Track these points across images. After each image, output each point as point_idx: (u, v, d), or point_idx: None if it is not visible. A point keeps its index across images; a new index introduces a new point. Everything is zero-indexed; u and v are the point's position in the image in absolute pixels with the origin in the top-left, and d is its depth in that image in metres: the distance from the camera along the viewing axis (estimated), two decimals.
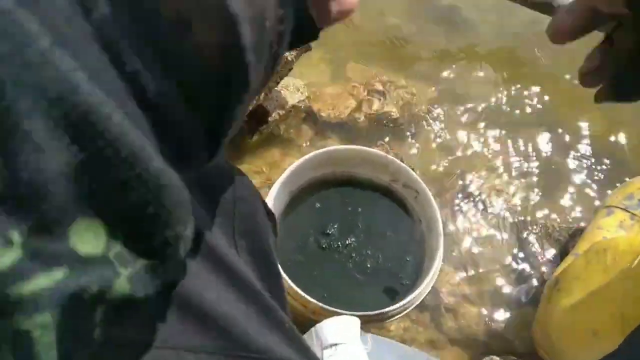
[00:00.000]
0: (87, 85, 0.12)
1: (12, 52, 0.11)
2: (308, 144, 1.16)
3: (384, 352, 0.50)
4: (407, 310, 0.63)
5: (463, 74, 1.30)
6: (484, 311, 0.98)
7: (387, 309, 0.61)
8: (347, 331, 0.44)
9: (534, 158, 1.19)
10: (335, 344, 0.43)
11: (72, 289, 0.13)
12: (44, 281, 0.13)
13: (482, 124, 1.23)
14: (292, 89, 1.18)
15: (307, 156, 0.71)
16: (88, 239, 0.14)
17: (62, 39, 0.12)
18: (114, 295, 0.15)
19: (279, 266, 0.42)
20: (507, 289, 1.01)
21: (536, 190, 1.14)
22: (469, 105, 1.26)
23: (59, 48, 0.12)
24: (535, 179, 1.16)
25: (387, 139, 1.15)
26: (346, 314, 0.56)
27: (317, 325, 0.47)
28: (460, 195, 1.09)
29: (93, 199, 0.13)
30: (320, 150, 0.72)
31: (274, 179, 1.12)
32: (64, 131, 0.12)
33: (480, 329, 0.95)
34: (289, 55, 1.03)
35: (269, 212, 0.43)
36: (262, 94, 1.02)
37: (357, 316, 0.58)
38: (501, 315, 0.98)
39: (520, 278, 1.02)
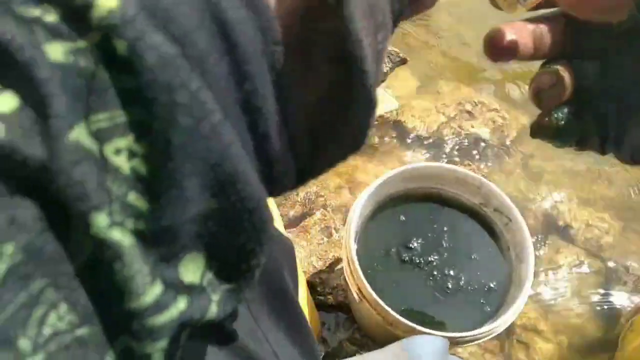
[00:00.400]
0: (240, 152, 0.14)
1: (190, 126, 0.13)
2: (390, 154, 1.16)
3: None
4: (486, 338, 0.62)
5: None
6: (559, 350, 0.94)
7: (466, 334, 0.61)
8: (435, 351, 0.45)
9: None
10: None
11: (187, 318, 0.15)
12: (174, 312, 0.14)
13: (571, 155, 1.18)
14: (381, 99, 1.19)
15: (399, 169, 0.72)
16: (192, 268, 0.15)
17: (225, 111, 0.14)
18: (204, 322, 0.16)
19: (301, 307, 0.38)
20: (586, 330, 0.96)
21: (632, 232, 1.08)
22: None
23: (225, 121, 0.14)
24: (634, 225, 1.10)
25: (473, 160, 1.13)
26: (430, 333, 0.56)
27: (407, 339, 0.47)
28: (544, 225, 1.05)
29: (210, 238, 0.15)
30: (413, 165, 0.72)
31: (354, 183, 1.14)
32: (210, 188, 0.14)
33: None
34: (384, 67, 1.05)
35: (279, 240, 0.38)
36: None
37: (440, 337, 0.58)
38: (576, 356, 0.93)
39: (602, 319, 0.97)
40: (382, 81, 1.08)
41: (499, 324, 0.61)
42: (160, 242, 0.14)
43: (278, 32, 0.15)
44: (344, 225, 1.02)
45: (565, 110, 0.26)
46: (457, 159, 1.12)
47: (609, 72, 0.25)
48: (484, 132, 1.17)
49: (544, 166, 1.14)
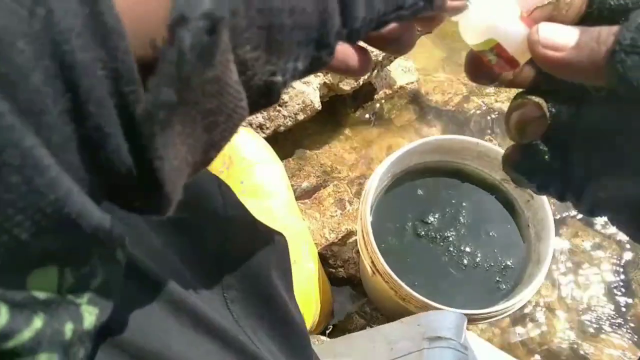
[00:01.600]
0: (77, 196, 0.14)
1: (23, 181, 0.13)
2: (409, 127, 1.13)
3: (487, 358, 0.48)
4: (501, 317, 0.60)
5: None
6: (571, 332, 0.92)
7: (481, 311, 0.59)
8: (453, 328, 0.43)
9: None
10: (440, 338, 0.42)
11: (51, 333, 0.15)
12: (26, 334, 0.14)
13: None
14: (402, 70, 1.16)
15: (419, 141, 0.69)
16: (41, 283, 0.15)
17: (61, 153, 0.14)
18: (88, 326, 0.17)
19: (289, 305, 0.36)
20: (602, 311, 0.94)
21: None
22: None
23: (61, 173, 0.14)
24: None
25: (496, 136, 1.10)
26: (444, 309, 0.55)
27: (421, 314, 0.46)
28: (564, 204, 1.02)
29: (57, 257, 0.15)
30: (435, 138, 0.69)
31: (369, 156, 1.12)
32: (46, 232, 0.14)
33: (564, 349, 0.90)
34: None
35: (262, 230, 0.36)
36: (375, 71, 1.01)
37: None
38: (588, 339, 0.91)
39: (618, 301, 0.95)
40: None
41: (515, 303, 0.59)
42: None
43: (132, 73, 0.15)
44: (357, 198, 1.00)
45: (543, 147, 0.25)
46: (477, 135, 1.09)
47: (581, 122, 0.24)
48: (506, 106, 1.13)
49: None
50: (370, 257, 0.64)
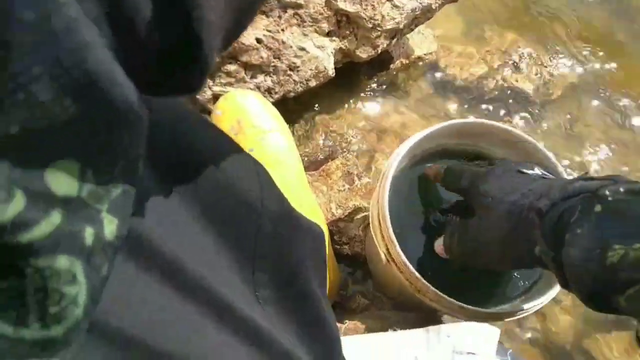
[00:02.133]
0: (101, 53, 0.13)
1: (38, 20, 0.11)
2: (424, 100, 1.08)
3: None
4: (524, 314, 0.57)
5: (624, 65, 1.14)
6: (576, 323, 0.91)
7: (504, 309, 0.57)
8: (485, 342, 0.41)
9: None
10: (471, 353, 0.39)
11: (70, 233, 0.14)
12: (45, 227, 0.14)
13: (621, 120, 1.09)
14: (421, 39, 1.09)
15: (445, 123, 0.65)
16: (63, 179, 0.14)
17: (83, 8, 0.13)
18: (109, 235, 0.16)
19: (324, 302, 0.35)
20: None
21: None
22: (616, 101, 1.11)
23: (82, 17, 0.12)
24: None
25: (513, 116, 1.05)
26: (463, 307, 0.52)
27: (450, 325, 0.43)
28: None
29: (80, 143, 0.14)
30: (462, 121, 0.65)
31: (381, 128, 1.07)
32: (68, 92, 0.13)
33: (569, 340, 0.89)
34: (434, 3, 0.94)
35: (300, 221, 0.34)
36: (395, 39, 0.94)
37: (469, 310, 0.54)
38: (594, 332, 0.90)
39: None
40: (428, 18, 0.97)
41: (538, 302, 0.56)
42: (14, 149, 0.13)
43: None
44: (367, 173, 0.96)
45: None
46: (493, 114, 1.04)
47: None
48: (528, 87, 1.07)
49: (587, 129, 1.06)
50: (386, 244, 0.61)
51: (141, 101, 0.16)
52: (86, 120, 0.14)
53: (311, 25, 0.88)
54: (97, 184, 0.16)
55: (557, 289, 0.58)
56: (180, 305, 0.23)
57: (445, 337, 0.42)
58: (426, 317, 0.69)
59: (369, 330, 0.66)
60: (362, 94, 1.05)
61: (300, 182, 0.83)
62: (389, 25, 0.89)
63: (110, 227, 0.16)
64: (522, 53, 1.09)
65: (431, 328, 0.44)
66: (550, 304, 0.93)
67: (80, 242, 0.15)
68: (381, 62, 1.05)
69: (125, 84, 0.14)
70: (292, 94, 0.92)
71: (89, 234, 0.15)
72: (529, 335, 0.89)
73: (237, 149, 0.32)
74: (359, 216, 0.87)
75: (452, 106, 1.06)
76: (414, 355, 0.41)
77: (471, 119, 0.66)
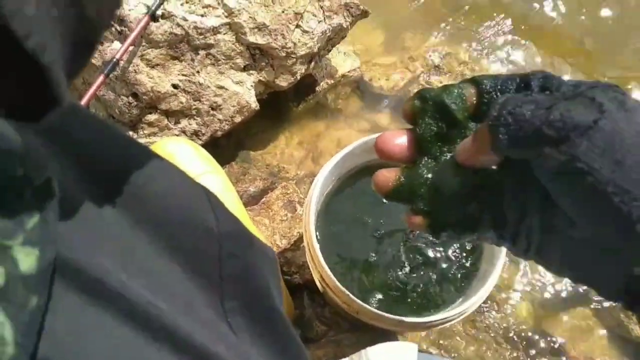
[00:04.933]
0: None
1: None
2: (356, 116, 1.09)
3: None
4: (458, 319, 0.58)
5: (532, 52, 1.19)
6: (533, 307, 0.92)
7: (439, 317, 0.57)
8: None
9: None
10: None
11: None
12: None
13: None
14: (343, 57, 1.11)
15: (359, 141, 0.65)
16: None
17: None
18: (27, 269, 0.16)
19: (288, 321, 0.34)
20: (562, 288, 0.94)
21: None
22: None
23: None
24: None
25: None
26: (401, 321, 0.52)
27: (370, 349, 0.43)
28: None
29: None
30: (376, 135, 0.65)
31: (317, 150, 1.07)
32: None
33: (528, 326, 0.90)
34: (344, 22, 0.96)
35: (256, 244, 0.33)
36: (313, 63, 0.95)
37: (409, 323, 0.54)
38: (552, 314, 0.92)
39: None
40: (343, 37, 0.99)
41: (472, 303, 0.57)
42: None
43: None
44: None
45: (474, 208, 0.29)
46: None
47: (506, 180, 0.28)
48: None
49: None
50: (319, 271, 0.60)
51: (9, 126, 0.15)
52: None
53: (226, 63, 0.88)
54: (5, 218, 0.15)
55: (490, 286, 0.59)
56: (141, 345, 0.22)
57: None
58: (382, 335, 0.69)
59: (324, 357, 0.65)
60: (293, 121, 1.06)
61: (242, 220, 0.82)
62: (303, 50, 0.90)
63: (27, 260, 0.16)
64: (443, 54, 1.12)
65: (354, 356, 0.44)
66: (506, 295, 0.94)
67: None
68: (306, 86, 1.06)
69: None
70: (219, 133, 0.92)
71: None
72: (491, 331, 0.90)
73: (184, 176, 0.32)
74: (304, 243, 0.87)
75: (384, 117, 1.08)
76: None
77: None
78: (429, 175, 0.29)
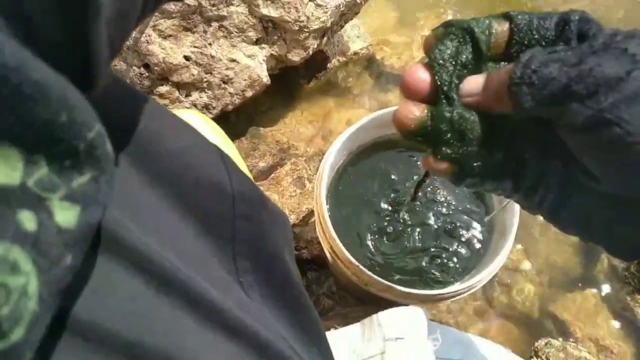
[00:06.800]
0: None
1: None
2: (366, 95, 1.08)
3: (452, 346, 0.46)
4: (468, 293, 0.58)
5: None
6: (541, 289, 0.92)
7: (447, 291, 0.57)
8: (413, 326, 0.41)
9: None
10: (400, 338, 0.39)
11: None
12: None
13: None
14: (355, 34, 1.10)
15: (372, 115, 0.65)
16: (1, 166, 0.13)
17: None
18: (63, 221, 0.15)
19: (301, 287, 0.34)
20: (569, 269, 0.94)
21: None
22: None
23: None
24: None
25: None
26: (409, 293, 0.52)
27: (380, 313, 0.43)
28: None
29: (7, 130, 0.13)
30: (387, 110, 0.65)
31: (327, 129, 1.07)
32: None
33: (535, 307, 0.90)
34: None
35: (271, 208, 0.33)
36: (325, 38, 0.94)
37: (418, 295, 0.54)
38: (559, 296, 0.92)
39: (589, 259, 0.95)
40: (356, 13, 0.98)
41: (481, 278, 0.57)
42: None
43: None
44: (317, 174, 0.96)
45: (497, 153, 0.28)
46: None
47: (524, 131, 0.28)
48: None
49: None
50: (329, 242, 0.61)
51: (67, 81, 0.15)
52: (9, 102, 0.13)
53: (238, 36, 0.88)
54: (53, 172, 0.15)
55: (501, 261, 0.59)
56: (154, 298, 0.22)
57: (377, 327, 0.42)
58: (387, 308, 0.69)
59: (329, 329, 0.65)
60: (303, 99, 1.06)
61: None
62: (316, 25, 0.89)
63: (64, 214, 0.15)
64: None
65: (365, 320, 0.44)
66: (514, 275, 0.94)
67: (13, 228, 0.13)
68: (317, 62, 1.05)
69: (28, 64, 0.14)
70: (230, 107, 0.91)
71: (26, 218, 0.14)
72: (497, 309, 0.90)
73: (199, 136, 0.32)
74: (313, 219, 0.87)
75: (394, 96, 1.07)
76: (352, 349, 0.41)
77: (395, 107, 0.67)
78: (454, 117, 0.26)
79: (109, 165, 0.17)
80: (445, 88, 0.26)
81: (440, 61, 0.27)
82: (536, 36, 0.26)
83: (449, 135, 0.27)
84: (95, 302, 0.20)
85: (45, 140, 0.14)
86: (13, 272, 0.14)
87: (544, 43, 0.26)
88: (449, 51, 0.27)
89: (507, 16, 0.26)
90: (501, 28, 0.26)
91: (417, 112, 0.27)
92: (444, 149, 0.27)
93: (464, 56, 0.26)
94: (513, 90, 0.24)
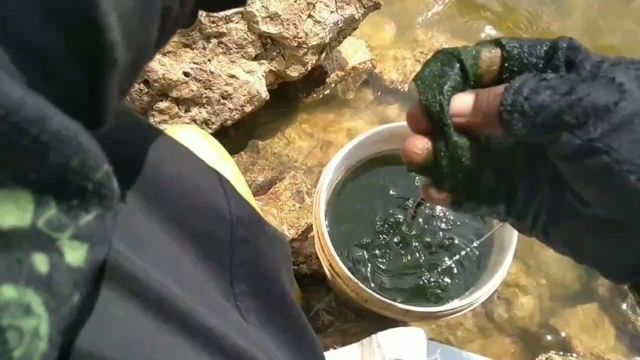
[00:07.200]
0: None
1: None
2: (366, 109, 1.09)
3: None
4: (468, 309, 0.58)
5: None
6: (540, 303, 0.92)
7: (449, 307, 0.57)
8: (413, 347, 0.40)
9: None
10: (400, 359, 0.39)
11: (9, 260, 0.13)
12: None
13: None
14: (354, 50, 1.10)
15: (372, 131, 0.65)
16: (8, 210, 0.13)
17: None
18: (74, 261, 0.15)
19: (295, 308, 0.34)
20: (569, 283, 0.94)
21: None
22: None
23: None
24: None
25: None
26: (409, 311, 0.52)
27: (380, 334, 0.43)
28: None
29: (14, 171, 0.13)
30: (387, 126, 0.65)
31: (326, 142, 1.07)
32: None
33: (535, 322, 0.90)
34: (356, 13, 0.95)
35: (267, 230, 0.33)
36: (324, 54, 0.95)
37: (418, 313, 0.54)
38: (560, 310, 0.91)
39: (589, 273, 0.95)
40: (354, 29, 0.99)
41: (481, 295, 0.57)
42: None
43: None
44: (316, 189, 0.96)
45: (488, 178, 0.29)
46: None
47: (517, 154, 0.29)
48: None
49: None
50: (328, 259, 0.60)
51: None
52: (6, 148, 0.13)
53: (237, 52, 0.88)
54: (61, 211, 0.15)
55: (500, 278, 0.59)
56: (152, 325, 0.22)
57: (376, 347, 0.42)
58: (388, 325, 0.69)
59: (331, 345, 0.65)
60: (302, 113, 1.06)
61: None
62: (314, 41, 0.90)
63: (74, 253, 0.15)
64: None
65: (365, 340, 0.44)
66: (514, 289, 0.93)
67: (27, 270, 0.14)
68: (317, 77, 1.06)
69: (31, 103, 0.14)
70: (229, 122, 0.92)
71: (39, 260, 0.14)
72: (497, 324, 0.89)
73: (198, 160, 0.32)
74: (312, 234, 0.87)
75: (393, 110, 1.08)
76: None
77: (395, 123, 0.67)
78: (451, 150, 0.27)
79: (115, 202, 0.17)
80: (434, 110, 0.27)
81: (426, 82, 0.27)
82: (526, 63, 0.26)
83: (450, 169, 0.27)
84: (95, 332, 0.20)
85: (56, 183, 0.15)
86: (27, 314, 0.14)
87: (534, 70, 0.26)
88: (434, 72, 0.27)
89: (498, 43, 0.27)
90: (491, 54, 0.27)
91: (420, 146, 0.28)
92: (446, 182, 0.28)
93: (451, 78, 0.27)
94: (504, 117, 0.24)
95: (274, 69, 0.92)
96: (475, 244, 0.66)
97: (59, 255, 0.15)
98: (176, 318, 0.23)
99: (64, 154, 0.15)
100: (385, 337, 0.42)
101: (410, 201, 0.70)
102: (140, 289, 0.22)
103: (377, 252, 0.67)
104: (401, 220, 0.70)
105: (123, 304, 0.21)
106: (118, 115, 0.28)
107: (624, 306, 0.90)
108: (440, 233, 0.68)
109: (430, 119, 0.27)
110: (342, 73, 1.08)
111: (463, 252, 0.66)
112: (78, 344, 0.19)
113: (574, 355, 0.85)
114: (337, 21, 0.92)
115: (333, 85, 1.08)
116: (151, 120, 0.89)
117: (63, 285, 0.15)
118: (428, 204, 0.67)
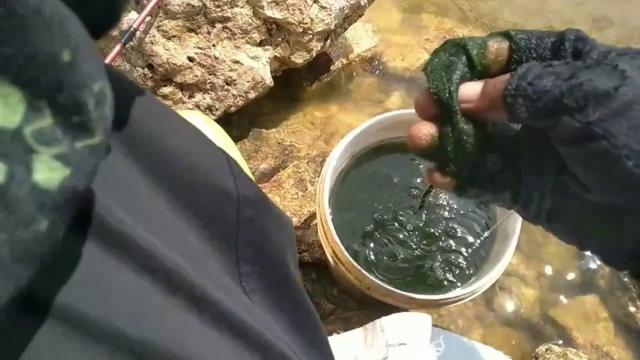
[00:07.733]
0: None
1: None
2: (370, 96, 1.08)
3: (456, 353, 0.46)
4: (470, 298, 0.58)
5: None
6: (541, 293, 0.92)
7: (449, 296, 0.57)
8: (416, 332, 0.40)
9: None
10: (403, 344, 0.39)
11: None
12: None
13: None
14: (359, 37, 1.10)
15: (375, 118, 0.65)
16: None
17: None
18: (42, 180, 0.14)
19: (301, 288, 0.34)
20: (569, 275, 0.94)
21: None
22: None
23: None
24: None
25: None
26: (411, 298, 0.52)
27: (383, 319, 0.43)
28: None
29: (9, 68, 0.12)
30: (392, 113, 0.65)
31: (329, 131, 1.07)
32: None
33: (535, 313, 0.90)
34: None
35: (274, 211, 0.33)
36: (329, 40, 0.94)
37: (420, 300, 0.54)
38: (560, 301, 0.92)
39: (587, 264, 0.95)
40: (360, 15, 0.98)
41: (483, 283, 0.57)
42: None
43: None
44: (319, 177, 0.96)
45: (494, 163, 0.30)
46: None
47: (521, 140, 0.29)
48: None
49: None
50: (331, 246, 0.60)
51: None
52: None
53: (242, 37, 0.87)
54: (58, 125, 0.14)
55: (502, 267, 0.59)
56: (161, 297, 0.22)
57: (379, 332, 0.42)
58: (387, 313, 0.69)
59: (334, 331, 0.65)
60: (306, 101, 1.05)
61: None
62: (320, 27, 0.89)
63: (48, 173, 0.14)
64: (460, 36, 1.10)
65: (368, 325, 0.44)
66: (515, 280, 0.94)
67: None
68: (321, 64, 1.05)
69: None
70: (233, 109, 0.91)
71: None
72: (498, 314, 0.90)
73: (205, 138, 0.32)
74: (314, 222, 0.87)
75: (397, 98, 1.07)
76: (354, 355, 0.41)
77: (399, 111, 0.67)
78: (457, 135, 0.28)
79: (107, 134, 0.16)
80: (443, 98, 0.27)
81: (435, 71, 0.28)
82: (534, 55, 0.27)
83: (454, 154, 0.28)
84: (104, 301, 0.20)
85: (47, 83, 0.14)
86: None
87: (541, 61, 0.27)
88: (442, 61, 0.28)
89: (506, 35, 0.27)
90: (499, 46, 0.27)
91: (425, 132, 0.28)
92: (451, 166, 0.28)
93: (459, 68, 0.27)
94: (508, 100, 0.25)
95: (279, 55, 0.91)
96: (486, 234, 0.66)
97: (25, 169, 0.13)
98: (184, 291, 0.23)
99: (52, 41, 0.13)
100: (389, 322, 0.42)
101: (416, 189, 0.69)
102: (149, 261, 0.22)
103: (380, 239, 0.67)
104: (405, 208, 0.69)
105: (132, 275, 0.21)
106: (122, 81, 0.28)
107: (625, 298, 0.90)
108: (444, 221, 0.68)
109: (438, 106, 0.28)
110: (347, 60, 1.07)
111: (466, 241, 0.66)
112: (84, 311, 0.19)
113: (574, 346, 0.85)
114: (343, 7, 0.91)
115: (337, 73, 1.07)
116: None
117: (22, 203, 0.13)
118: (434, 192, 0.67)
